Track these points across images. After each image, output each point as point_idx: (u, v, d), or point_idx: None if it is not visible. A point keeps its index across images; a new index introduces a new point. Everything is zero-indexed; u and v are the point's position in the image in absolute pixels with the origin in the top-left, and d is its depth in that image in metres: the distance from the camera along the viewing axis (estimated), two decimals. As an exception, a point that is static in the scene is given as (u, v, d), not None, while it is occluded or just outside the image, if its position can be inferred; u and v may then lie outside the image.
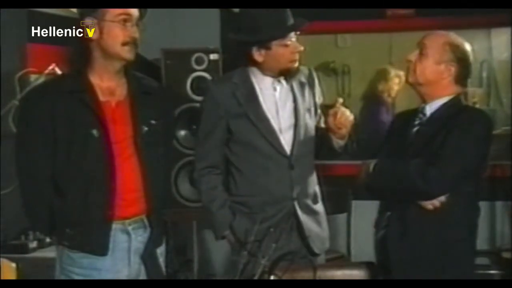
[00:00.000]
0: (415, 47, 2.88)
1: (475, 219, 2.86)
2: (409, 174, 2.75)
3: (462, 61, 2.83)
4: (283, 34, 3.02)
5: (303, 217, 3.12)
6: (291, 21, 3.05)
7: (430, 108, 2.85)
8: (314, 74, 3.26)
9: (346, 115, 3.04)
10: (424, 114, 2.86)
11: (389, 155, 2.91)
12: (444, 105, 2.83)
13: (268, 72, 3.10)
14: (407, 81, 2.94)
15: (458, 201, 2.78)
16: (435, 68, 2.82)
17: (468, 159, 2.75)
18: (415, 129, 2.87)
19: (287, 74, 3.12)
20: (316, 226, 3.18)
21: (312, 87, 3.22)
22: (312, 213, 3.17)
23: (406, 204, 2.81)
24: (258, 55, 3.05)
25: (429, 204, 2.76)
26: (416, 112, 2.91)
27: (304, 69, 3.23)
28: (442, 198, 2.76)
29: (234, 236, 3.12)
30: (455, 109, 2.82)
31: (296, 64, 3.10)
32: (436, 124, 2.80)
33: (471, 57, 2.86)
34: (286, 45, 3.04)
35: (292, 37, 3.05)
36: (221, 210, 3.13)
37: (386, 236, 2.85)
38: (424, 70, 2.83)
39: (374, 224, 2.95)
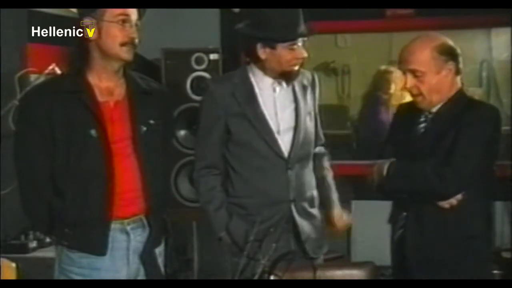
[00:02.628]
0: (401, 76, 2.82)
1: (491, 214, 2.86)
2: (426, 176, 2.73)
3: (452, 55, 2.80)
4: (291, 38, 3.01)
5: (299, 220, 3.10)
6: (301, 27, 3.03)
7: (437, 105, 2.83)
8: (317, 79, 3.26)
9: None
10: (430, 111, 2.84)
11: (397, 153, 2.89)
12: (450, 100, 2.81)
13: (268, 72, 3.10)
14: (418, 105, 2.83)
15: (474, 197, 2.77)
16: (438, 78, 2.78)
17: (482, 156, 2.75)
18: (422, 126, 2.85)
19: (286, 77, 3.10)
20: (312, 229, 3.15)
21: (313, 91, 3.21)
22: (309, 216, 3.15)
23: (422, 203, 2.80)
24: (262, 52, 3.04)
25: (446, 203, 2.75)
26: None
27: (307, 73, 3.23)
28: (459, 196, 2.75)
29: (230, 238, 3.10)
30: (462, 103, 2.80)
31: (296, 68, 3.08)
32: (445, 122, 2.78)
33: (453, 44, 2.81)
34: (292, 49, 3.02)
35: (299, 42, 3.04)
36: (218, 212, 3.11)
37: (404, 236, 2.84)
38: (431, 87, 2.77)
39: (389, 221, 2.93)
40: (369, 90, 5.50)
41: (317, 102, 3.23)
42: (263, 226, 2.89)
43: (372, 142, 4.96)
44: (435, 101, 2.82)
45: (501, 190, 4.70)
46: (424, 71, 2.76)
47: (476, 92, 5.39)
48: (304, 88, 3.17)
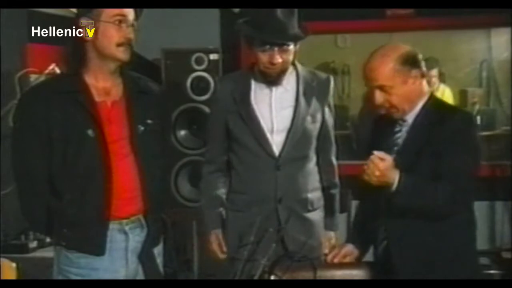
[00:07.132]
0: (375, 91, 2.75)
1: (473, 220, 2.84)
2: (438, 196, 2.65)
3: (415, 62, 2.73)
4: (263, 40, 2.98)
5: (283, 220, 3.04)
6: (291, 30, 2.97)
7: (410, 114, 2.78)
8: (332, 82, 3.22)
9: None
10: (403, 119, 2.79)
11: None
12: (424, 107, 2.77)
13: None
14: (393, 116, 2.79)
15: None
16: (406, 88, 2.73)
17: (473, 166, 2.72)
18: (398, 136, 2.80)
19: (263, 78, 3.08)
20: (299, 233, 3.07)
21: (324, 93, 3.17)
22: (299, 219, 3.10)
23: (402, 213, 2.76)
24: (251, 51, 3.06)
25: None
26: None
27: (321, 75, 3.21)
28: None
29: (226, 237, 3.13)
30: (436, 112, 2.75)
31: (270, 71, 3.03)
32: (422, 134, 2.74)
33: (413, 51, 2.75)
34: (264, 51, 2.98)
35: (275, 46, 2.97)
36: (214, 210, 3.16)
37: (388, 247, 2.80)
38: (401, 98, 2.73)
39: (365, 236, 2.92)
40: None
41: (326, 106, 3.18)
42: (255, 224, 2.87)
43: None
44: (408, 109, 2.78)
45: (501, 190, 4.73)
46: (391, 85, 2.72)
47: (476, 92, 5.41)
48: (311, 88, 3.13)
